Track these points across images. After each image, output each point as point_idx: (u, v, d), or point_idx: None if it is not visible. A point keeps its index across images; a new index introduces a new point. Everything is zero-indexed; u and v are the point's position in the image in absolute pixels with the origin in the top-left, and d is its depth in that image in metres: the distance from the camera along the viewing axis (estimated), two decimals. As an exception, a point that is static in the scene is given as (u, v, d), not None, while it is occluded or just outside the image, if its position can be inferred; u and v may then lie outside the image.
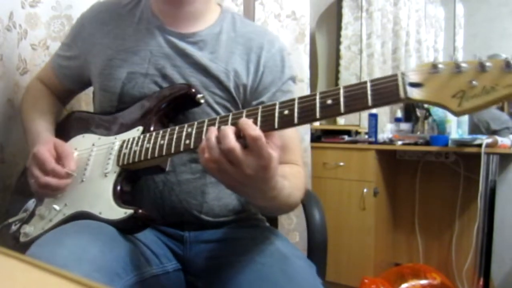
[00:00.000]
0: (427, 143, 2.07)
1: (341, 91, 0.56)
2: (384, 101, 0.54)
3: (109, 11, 0.90)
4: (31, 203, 0.85)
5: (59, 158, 0.79)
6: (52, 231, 0.70)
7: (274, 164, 0.58)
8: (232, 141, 0.57)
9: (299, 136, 0.90)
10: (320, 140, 2.38)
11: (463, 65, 0.50)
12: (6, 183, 1.06)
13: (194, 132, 0.67)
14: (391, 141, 2.19)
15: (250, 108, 0.63)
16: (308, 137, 2.12)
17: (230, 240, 0.83)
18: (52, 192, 0.79)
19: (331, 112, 0.57)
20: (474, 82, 0.49)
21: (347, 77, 2.66)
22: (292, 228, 2.03)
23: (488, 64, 0.49)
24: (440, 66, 0.51)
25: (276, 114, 0.60)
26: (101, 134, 0.85)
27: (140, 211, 0.70)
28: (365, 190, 2.09)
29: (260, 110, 0.61)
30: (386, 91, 0.53)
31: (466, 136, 1.96)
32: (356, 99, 0.55)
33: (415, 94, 0.52)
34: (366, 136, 2.31)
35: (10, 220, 0.85)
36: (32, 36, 1.13)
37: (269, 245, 0.78)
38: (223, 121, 0.64)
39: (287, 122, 0.59)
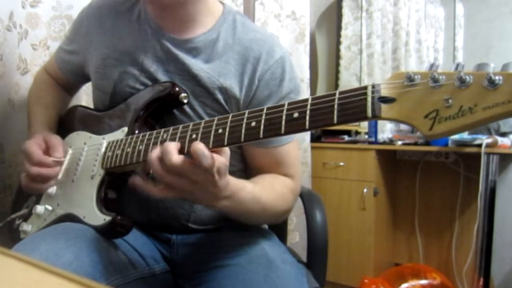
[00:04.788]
0: (427, 143, 2.07)
1: (309, 103, 0.53)
2: (350, 118, 0.49)
3: (107, 8, 0.88)
4: (32, 200, 0.87)
5: (47, 150, 0.82)
6: (33, 234, 0.71)
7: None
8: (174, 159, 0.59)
9: (297, 148, 0.88)
10: (320, 140, 2.38)
11: (441, 77, 0.44)
12: (6, 183, 1.06)
13: (168, 138, 0.65)
14: (391, 141, 2.19)
15: (221, 116, 0.62)
16: (308, 137, 2.12)
17: (218, 244, 0.82)
18: (44, 183, 0.80)
19: (296, 127, 0.53)
20: (450, 101, 0.43)
21: (347, 77, 2.66)
22: (292, 228, 2.03)
23: (468, 78, 0.42)
24: (416, 77, 0.46)
25: (243, 126, 0.58)
26: (92, 132, 0.85)
27: (119, 217, 0.70)
28: (365, 190, 2.08)
29: (229, 120, 0.60)
30: (352, 106, 0.49)
31: (466, 136, 1.96)
32: (322, 114, 0.51)
33: (384, 111, 0.47)
34: (366, 136, 2.31)
35: (13, 216, 0.87)
36: (33, 36, 1.13)
37: (257, 249, 0.77)
38: (195, 129, 0.62)
39: (252, 136, 0.57)
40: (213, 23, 0.84)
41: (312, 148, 2.19)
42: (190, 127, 0.63)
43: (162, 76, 0.81)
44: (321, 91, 2.71)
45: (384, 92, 0.48)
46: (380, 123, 2.33)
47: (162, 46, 0.82)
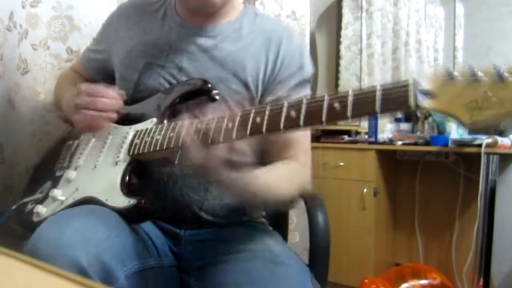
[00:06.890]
0: (427, 143, 2.07)
1: (350, 94, 0.55)
2: (392, 108, 0.52)
3: (136, 8, 0.96)
4: (47, 186, 0.87)
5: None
6: (60, 213, 0.72)
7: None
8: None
9: (308, 136, 0.91)
10: (320, 140, 2.37)
11: (479, 74, 0.48)
12: (6, 183, 1.06)
13: (203, 127, 0.67)
14: (391, 141, 2.19)
15: (258, 107, 0.63)
16: (308, 137, 2.11)
17: (224, 240, 0.84)
18: (104, 118, 0.83)
19: (337, 116, 0.56)
20: (488, 93, 0.47)
21: (347, 77, 2.66)
22: (292, 228, 2.03)
23: (505, 74, 0.47)
24: (455, 74, 0.50)
25: (283, 115, 0.59)
26: (117, 123, 0.87)
27: (143, 201, 0.71)
28: (365, 190, 2.08)
29: (267, 109, 0.61)
30: (395, 97, 0.52)
31: (466, 136, 1.96)
32: (364, 103, 0.54)
33: (425, 102, 0.51)
34: (366, 136, 2.31)
35: (26, 200, 0.87)
36: (33, 36, 1.13)
37: (263, 247, 0.78)
38: (232, 119, 0.64)
39: (292, 124, 0.59)
40: (236, 16, 0.91)
41: (312, 148, 2.16)
42: (227, 117, 0.65)
43: (187, 65, 0.85)
44: (321, 91, 2.71)
45: (425, 85, 0.51)
46: (380, 123, 2.33)
47: (187, 37, 0.87)
